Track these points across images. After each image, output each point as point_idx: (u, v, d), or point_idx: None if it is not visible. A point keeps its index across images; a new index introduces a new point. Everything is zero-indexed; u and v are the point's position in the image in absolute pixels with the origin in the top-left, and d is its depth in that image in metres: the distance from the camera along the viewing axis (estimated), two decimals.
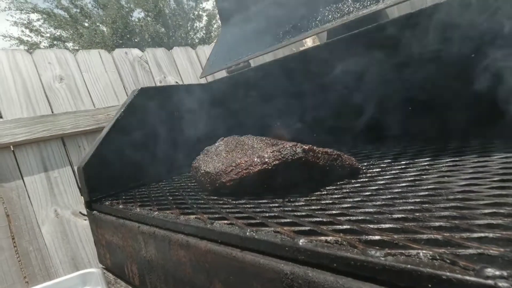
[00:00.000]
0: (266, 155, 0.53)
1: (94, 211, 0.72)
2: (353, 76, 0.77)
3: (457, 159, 0.54)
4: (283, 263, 0.32)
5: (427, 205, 0.36)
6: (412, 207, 0.36)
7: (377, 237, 0.29)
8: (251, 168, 0.53)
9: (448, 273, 0.22)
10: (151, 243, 0.52)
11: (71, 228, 1.38)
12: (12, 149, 1.30)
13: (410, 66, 0.70)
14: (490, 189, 0.37)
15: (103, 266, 0.76)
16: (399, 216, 0.34)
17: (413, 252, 0.25)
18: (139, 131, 0.77)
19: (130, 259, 0.61)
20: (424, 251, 0.24)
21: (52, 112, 1.41)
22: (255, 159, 0.53)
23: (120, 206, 0.63)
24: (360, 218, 0.35)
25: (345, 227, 0.33)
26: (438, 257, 0.24)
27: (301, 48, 0.76)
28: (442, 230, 0.28)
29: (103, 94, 1.57)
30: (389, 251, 0.26)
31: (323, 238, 0.31)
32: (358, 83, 0.77)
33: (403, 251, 0.25)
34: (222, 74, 1.15)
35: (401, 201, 0.39)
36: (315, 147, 0.54)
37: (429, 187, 0.42)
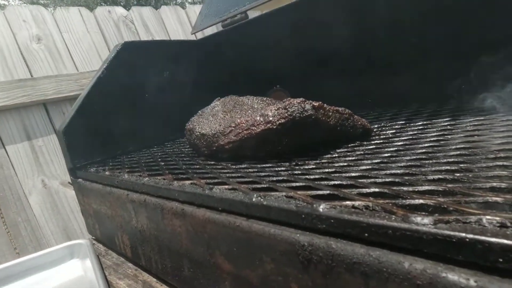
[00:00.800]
0: (270, 113, 0.46)
1: (79, 179, 0.66)
2: (375, 26, 0.70)
3: (482, 118, 0.48)
4: (299, 233, 0.26)
5: (465, 165, 0.30)
6: (448, 167, 0.30)
7: (417, 201, 0.23)
8: (253, 128, 0.47)
9: None
10: (142, 212, 0.47)
11: (61, 198, 1.33)
12: None
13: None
14: None
15: (93, 237, 0.72)
16: (435, 177, 0.28)
17: (472, 218, 0.20)
18: (125, 91, 0.69)
19: (120, 229, 0.56)
20: (488, 217, 0.19)
21: (31, 76, 1.30)
22: (258, 118, 0.47)
23: (107, 173, 0.57)
24: (387, 180, 0.30)
25: (372, 190, 0.27)
26: (509, 224, 0.18)
27: None
28: (499, 192, 0.23)
29: (87, 57, 1.45)
30: (440, 217, 0.20)
31: (348, 203, 0.25)
32: (380, 34, 0.70)
33: (458, 217, 0.20)
34: (215, 31, 1.05)
35: (431, 161, 0.34)
36: (325, 105, 0.48)
37: (459, 146, 0.37)
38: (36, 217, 1.26)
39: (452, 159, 0.33)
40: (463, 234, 0.18)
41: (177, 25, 1.76)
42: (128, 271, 0.56)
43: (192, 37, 1.49)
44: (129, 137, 0.78)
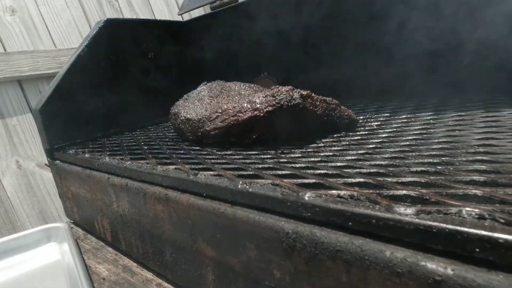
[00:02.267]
0: (257, 100, 0.46)
1: (57, 161, 0.63)
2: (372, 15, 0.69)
3: (463, 113, 0.50)
4: (284, 220, 0.26)
5: (446, 158, 0.31)
6: (430, 160, 0.31)
7: (401, 192, 0.24)
8: (240, 115, 0.47)
9: (506, 236, 0.17)
10: (123, 197, 0.46)
11: (37, 180, 1.28)
12: None
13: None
14: None
15: (71, 221, 0.70)
16: (418, 169, 0.29)
17: (453, 209, 0.20)
18: (106, 71, 0.67)
19: (100, 213, 0.55)
20: (468, 209, 0.20)
21: (5, 50, 1.22)
22: (245, 104, 0.46)
23: (87, 155, 0.55)
24: (372, 170, 0.30)
25: (358, 180, 0.28)
26: (487, 216, 0.19)
27: None
28: (478, 185, 0.24)
29: (66, 33, 1.38)
30: (422, 208, 0.21)
31: (334, 192, 0.25)
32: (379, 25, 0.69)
33: (439, 208, 0.20)
34: (202, 13, 1.02)
35: (414, 153, 0.34)
36: (313, 94, 0.47)
37: (441, 140, 0.38)
38: (10, 199, 1.22)
39: (434, 152, 0.34)
40: (444, 225, 0.19)
41: (163, 5, 1.70)
42: (108, 256, 0.55)
43: (179, 18, 1.44)
44: (110, 119, 0.75)
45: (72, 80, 0.68)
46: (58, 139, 0.66)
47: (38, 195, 1.27)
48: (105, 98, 0.74)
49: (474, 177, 0.25)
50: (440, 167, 0.29)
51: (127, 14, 1.57)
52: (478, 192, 0.22)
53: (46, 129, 0.63)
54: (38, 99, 1.18)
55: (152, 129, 0.79)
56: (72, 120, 0.68)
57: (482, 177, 0.25)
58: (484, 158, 0.30)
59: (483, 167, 0.27)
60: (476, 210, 0.19)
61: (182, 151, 0.50)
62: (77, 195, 0.60)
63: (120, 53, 0.76)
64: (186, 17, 1.42)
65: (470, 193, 0.22)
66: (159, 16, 1.67)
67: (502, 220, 0.18)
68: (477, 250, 0.18)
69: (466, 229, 0.18)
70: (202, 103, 0.55)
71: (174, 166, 0.40)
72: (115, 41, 0.75)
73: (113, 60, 0.74)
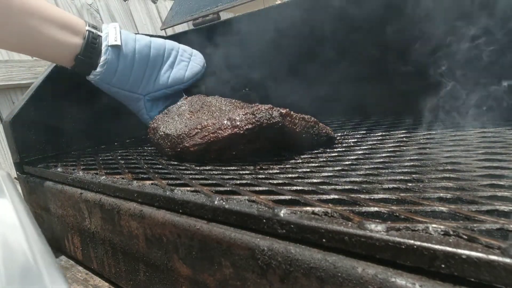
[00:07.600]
0: (237, 118, 0.46)
1: (26, 175, 0.61)
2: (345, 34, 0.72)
3: (433, 132, 0.52)
4: (259, 237, 0.26)
5: (417, 176, 0.32)
6: (402, 177, 0.32)
7: (373, 209, 0.24)
8: (219, 131, 0.47)
9: (468, 252, 0.18)
10: (96, 213, 0.44)
11: None
12: None
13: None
14: (478, 161, 0.35)
15: None
16: (390, 186, 0.30)
17: (420, 226, 0.21)
18: (84, 83, 0.65)
19: (71, 230, 0.52)
20: (434, 225, 0.20)
21: None
22: (225, 121, 0.47)
23: (59, 169, 0.53)
24: (346, 187, 0.31)
25: (332, 196, 0.28)
26: (452, 233, 0.20)
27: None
28: (445, 202, 0.25)
29: None
30: (392, 224, 0.21)
31: (309, 209, 0.26)
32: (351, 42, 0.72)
33: (408, 225, 0.21)
34: (186, 29, 1.03)
35: (387, 171, 0.35)
36: (292, 112, 0.48)
37: (412, 157, 0.40)
38: None
39: (406, 170, 0.35)
40: (411, 241, 0.20)
41: (146, 19, 1.70)
42: (78, 275, 0.52)
43: (162, 33, 1.45)
44: (86, 132, 0.73)
45: (47, 91, 0.66)
46: (29, 152, 0.63)
47: None
48: (82, 111, 0.72)
49: (441, 194, 0.26)
50: (410, 184, 0.30)
51: None
52: (444, 208, 0.23)
53: (17, 141, 0.61)
54: (10, 110, 1.13)
55: (131, 143, 0.78)
56: (45, 133, 0.65)
57: (449, 194, 0.26)
58: (451, 175, 0.31)
59: (450, 184, 0.29)
60: (442, 226, 0.20)
61: (160, 166, 0.49)
62: (46, 211, 0.57)
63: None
64: (169, 32, 1.43)
65: (437, 209, 0.23)
66: (141, 30, 1.67)
67: (465, 237, 0.19)
68: (443, 266, 0.19)
69: (432, 246, 0.19)
70: (182, 118, 0.55)
71: (150, 182, 0.39)
72: None
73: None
